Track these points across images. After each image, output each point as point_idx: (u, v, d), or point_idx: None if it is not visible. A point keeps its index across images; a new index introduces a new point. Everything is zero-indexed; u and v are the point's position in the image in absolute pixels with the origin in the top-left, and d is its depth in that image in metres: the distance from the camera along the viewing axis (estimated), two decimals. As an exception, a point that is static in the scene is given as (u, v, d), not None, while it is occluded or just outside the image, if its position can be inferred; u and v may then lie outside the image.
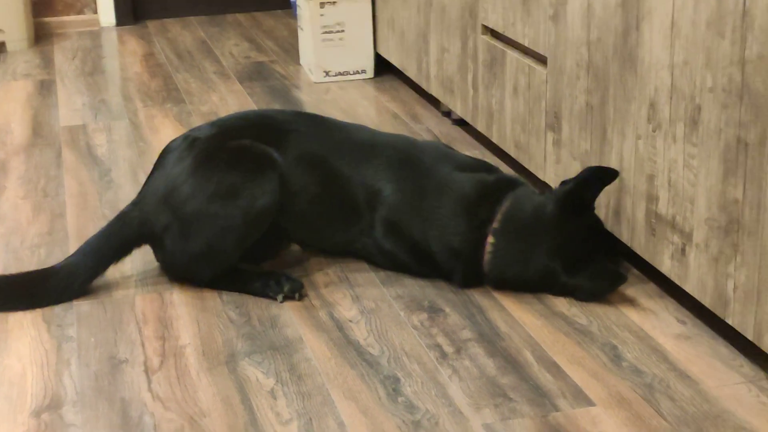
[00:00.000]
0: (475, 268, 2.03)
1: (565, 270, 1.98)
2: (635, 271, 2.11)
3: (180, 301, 2.03)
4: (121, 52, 4.21)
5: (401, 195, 2.08)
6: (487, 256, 2.01)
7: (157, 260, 2.12)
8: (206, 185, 2.02)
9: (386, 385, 1.72)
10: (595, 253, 2.02)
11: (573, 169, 2.22)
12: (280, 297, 2.02)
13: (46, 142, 3.03)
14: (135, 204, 2.10)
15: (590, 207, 2.04)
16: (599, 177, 2.00)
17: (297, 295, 2.03)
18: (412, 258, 2.10)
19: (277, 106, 3.29)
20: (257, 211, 2.03)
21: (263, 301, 2.02)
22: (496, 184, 2.07)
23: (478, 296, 2.03)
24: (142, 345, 1.87)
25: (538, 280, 2.01)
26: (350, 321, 1.95)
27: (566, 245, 1.98)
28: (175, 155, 2.09)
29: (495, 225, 2.01)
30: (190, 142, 2.10)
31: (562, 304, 1.99)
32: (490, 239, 2.01)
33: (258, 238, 2.07)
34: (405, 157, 2.12)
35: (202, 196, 2.01)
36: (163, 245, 2.06)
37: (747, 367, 1.74)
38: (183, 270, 2.08)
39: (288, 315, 1.97)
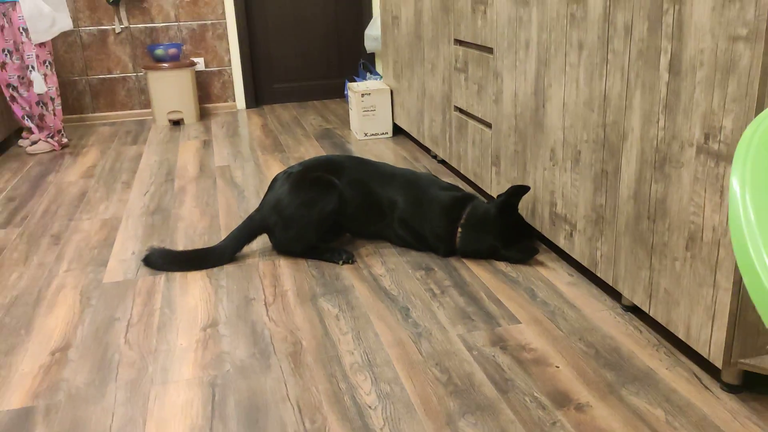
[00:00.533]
0: (452, 246, 2.03)
1: (503, 246, 1.97)
2: (543, 246, 2.10)
3: (284, 265, 2.05)
4: (248, 124, 4.22)
5: (408, 204, 2.08)
6: (458, 239, 2.01)
7: (271, 242, 2.13)
8: (297, 199, 2.03)
9: (401, 312, 1.72)
10: (520, 236, 2.01)
11: (507, 188, 2.21)
12: (340, 262, 2.02)
13: (207, 175, 3.05)
14: (257, 210, 2.10)
15: (516, 209, 2.03)
16: (519, 191, 1.99)
17: (350, 261, 2.03)
18: (415, 240, 2.10)
19: (337, 153, 3.29)
20: (326, 214, 2.03)
21: (331, 265, 2.03)
22: (462, 198, 2.07)
23: (454, 261, 2.03)
24: (263, 290, 1.89)
25: (487, 252, 2.00)
26: (380, 275, 1.95)
27: (503, 232, 1.98)
28: (280, 182, 2.09)
29: (462, 221, 2.00)
30: (287, 174, 2.10)
31: (502, 265, 1.98)
32: (460, 229, 2.00)
33: (327, 229, 2.08)
34: (410, 181, 2.12)
35: (294, 205, 2.02)
36: (273, 234, 2.07)
37: (609, 301, 1.74)
38: (285, 247, 2.08)
39: (345, 272, 1.98)
